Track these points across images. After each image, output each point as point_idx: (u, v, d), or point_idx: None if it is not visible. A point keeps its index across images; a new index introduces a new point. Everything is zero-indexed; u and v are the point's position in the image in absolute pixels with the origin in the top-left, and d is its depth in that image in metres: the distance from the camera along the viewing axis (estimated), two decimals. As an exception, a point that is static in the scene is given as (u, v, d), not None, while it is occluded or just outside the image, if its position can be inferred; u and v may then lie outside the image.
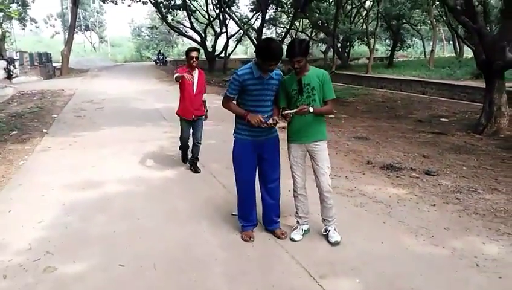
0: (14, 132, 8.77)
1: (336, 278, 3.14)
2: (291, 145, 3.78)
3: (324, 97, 3.64)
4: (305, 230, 3.86)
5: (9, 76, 20.72)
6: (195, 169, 5.94)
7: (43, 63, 26.99)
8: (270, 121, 3.61)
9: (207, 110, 5.95)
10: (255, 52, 3.83)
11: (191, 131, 5.94)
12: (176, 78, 5.56)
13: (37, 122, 10.10)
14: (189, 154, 6.09)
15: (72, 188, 5.23)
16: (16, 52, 23.39)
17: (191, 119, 5.78)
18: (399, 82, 19.61)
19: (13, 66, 21.28)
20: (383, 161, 6.30)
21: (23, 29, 36.45)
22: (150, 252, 3.56)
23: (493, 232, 3.87)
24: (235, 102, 3.74)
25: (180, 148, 6.32)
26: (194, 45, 29.62)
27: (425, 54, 35.39)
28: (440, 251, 3.53)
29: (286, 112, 3.57)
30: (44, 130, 9.04)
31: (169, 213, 4.46)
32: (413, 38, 36.14)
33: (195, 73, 5.67)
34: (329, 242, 3.66)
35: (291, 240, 3.75)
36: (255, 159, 3.82)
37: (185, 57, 5.76)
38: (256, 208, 3.96)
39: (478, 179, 5.54)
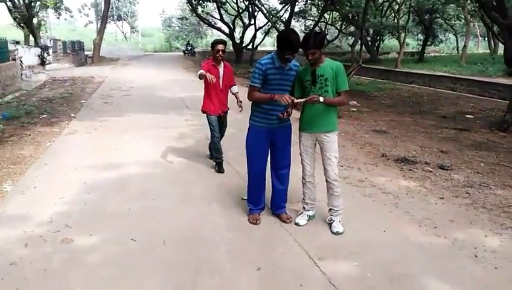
0: (44, 116, 9.18)
1: (334, 261, 3.26)
2: (302, 134, 3.89)
3: (337, 88, 3.71)
4: (310, 216, 3.98)
5: (42, 62, 21.48)
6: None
7: (75, 51, 27.84)
8: (285, 113, 3.74)
9: (241, 101, 5.42)
10: None
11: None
12: (199, 75, 5.19)
13: (66, 107, 10.52)
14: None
15: (94, 168, 5.50)
16: (50, 40, 24.16)
17: (218, 115, 5.50)
18: (428, 77, 19.28)
19: (47, 53, 22.03)
20: (398, 155, 6.32)
21: (58, 18, 37.27)
22: (161, 230, 3.76)
23: (498, 226, 3.89)
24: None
25: (211, 150, 5.82)
26: (223, 36, 29.83)
27: (458, 49, 34.45)
28: (441, 241, 3.59)
29: (296, 100, 3.68)
30: (72, 115, 9.43)
31: (182, 195, 4.66)
32: (447, 34, 35.23)
33: (221, 67, 5.36)
34: (331, 231, 3.77)
35: (296, 224, 3.89)
36: (267, 146, 3.96)
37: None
38: (265, 193, 4.11)
39: (493, 175, 5.51)
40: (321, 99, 3.60)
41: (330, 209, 3.87)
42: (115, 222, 3.94)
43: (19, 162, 5.78)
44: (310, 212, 3.99)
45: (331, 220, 3.83)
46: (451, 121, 9.80)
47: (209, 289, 2.91)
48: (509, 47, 9.23)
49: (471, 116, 10.55)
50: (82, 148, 6.53)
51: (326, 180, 3.84)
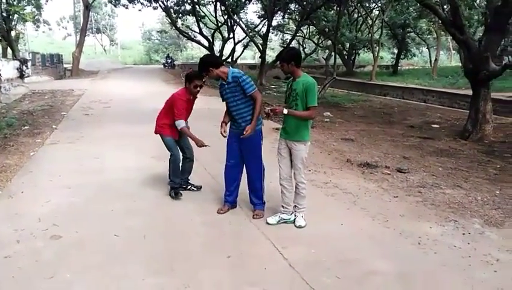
0: (26, 127, 9.41)
1: (295, 248, 3.72)
2: (279, 140, 4.36)
3: (306, 104, 4.06)
4: (282, 218, 4.30)
5: (21, 76, 21.51)
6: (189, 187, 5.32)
7: (54, 64, 27.91)
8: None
9: None
10: None
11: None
12: None
13: (47, 119, 10.74)
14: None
15: (77, 175, 5.84)
16: (29, 53, 24.20)
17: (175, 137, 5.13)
18: (401, 90, 20.07)
19: (25, 66, 22.08)
20: (361, 160, 6.82)
21: (36, 30, 37.10)
22: (141, 227, 4.15)
23: (442, 219, 4.41)
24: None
25: (173, 182, 5.08)
26: (202, 49, 30.11)
27: (430, 62, 35.78)
28: (390, 232, 4.09)
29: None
30: (53, 126, 9.68)
31: (161, 197, 5.06)
32: (420, 47, 36.56)
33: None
34: (295, 225, 4.22)
35: (266, 223, 4.26)
36: (237, 149, 4.47)
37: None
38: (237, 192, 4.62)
39: (447, 178, 6.02)
40: (285, 111, 4.01)
41: (295, 206, 4.31)
42: (99, 220, 4.32)
43: (4, 170, 6.05)
44: (284, 215, 4.32)
45: (295, 216, 4.28)
46: (418, 131, 10.37)
47: (185, 272, 3.31)
48: (467, 60, 9.91)
49: (437, 126, 11.16)
50: (64, 157, 6.84)
51: (295, 182, 4.29)
